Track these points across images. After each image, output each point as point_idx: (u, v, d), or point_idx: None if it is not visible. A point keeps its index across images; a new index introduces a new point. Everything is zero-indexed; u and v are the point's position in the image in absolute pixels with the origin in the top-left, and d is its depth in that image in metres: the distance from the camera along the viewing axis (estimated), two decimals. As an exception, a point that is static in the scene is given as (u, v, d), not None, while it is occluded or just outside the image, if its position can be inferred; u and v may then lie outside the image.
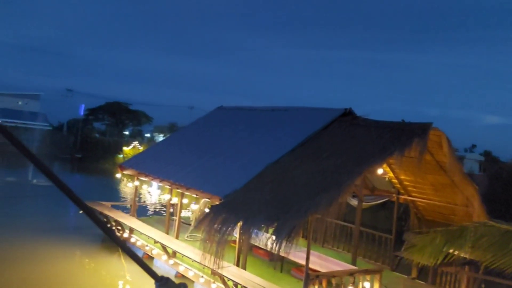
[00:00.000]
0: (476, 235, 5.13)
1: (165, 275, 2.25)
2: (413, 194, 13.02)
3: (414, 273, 11.90)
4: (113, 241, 2.27)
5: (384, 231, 13.94)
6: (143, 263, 2.25)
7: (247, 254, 10.63)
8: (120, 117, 70.49)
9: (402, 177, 12.89)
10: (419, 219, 13.39)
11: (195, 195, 11.88)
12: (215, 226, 8.98)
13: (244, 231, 9.06)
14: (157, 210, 22.20)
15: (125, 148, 47.93)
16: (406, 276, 12.06)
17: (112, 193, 28.14)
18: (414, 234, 10.93)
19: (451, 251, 5.95)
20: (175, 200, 14.32)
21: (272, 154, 10.98)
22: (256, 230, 8.83)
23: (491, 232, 5.04)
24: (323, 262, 10.78)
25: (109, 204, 15.82)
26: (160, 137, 59.37)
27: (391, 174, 12.99)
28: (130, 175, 15.60)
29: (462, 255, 8.52)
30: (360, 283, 9.85)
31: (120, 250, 2.40)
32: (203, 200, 13.02)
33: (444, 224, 11.19)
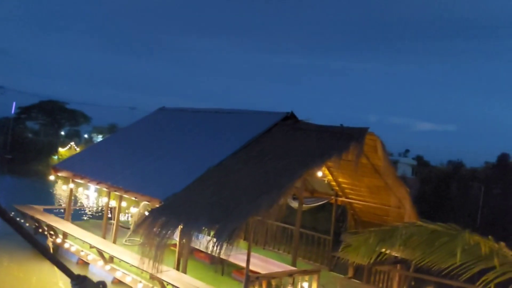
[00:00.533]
0: (406, 234, 5.41)
1: (106, 284, 2.20)
2: (350, 196, 13.49)
3: (350, 273, 12.33)
4: (19, 234, 2.19)
5: (323, 232, 14.34)
6: (57, 260, 2.19)
7: (187, 258, 10.51)
8: (56, 116, 67.17)
9: (340, 179, 13.33)
10: (356, 220, 13.90)
11: (134, 198, 11.59)
12: (155, 229, 8.81)
13: (185, 234, 8.96)
14: (94, 213, 21.39)
15: (60, 149, 45.78)
16: (342, 276, 12.46)
17: (45, 196, 26.74)
18: (351, 234, 11.34)
19: (383, 250, 6.22)
20: (113, 203, 13.87)
21: (215, 157, 10.94)
22: (197, 233, 8.76)
23: (419, 231, 5.34)
24: (263, 264, 10.89)
25: (41, 207, 15.03)
26: (99, 138, 57.27)
27: (330, 177, 13.40)
28: (65, 177, 14.92)
29: (394, 254, 8.95)
30: (299, 283, 10.06)
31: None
32: (142, 203, 12.72)
33: (378, 224, 11.68)
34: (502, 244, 5.20)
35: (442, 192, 21.96)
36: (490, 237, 5.25)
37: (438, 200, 21.37)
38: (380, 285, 11.31)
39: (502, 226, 18.55)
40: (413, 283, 11.57)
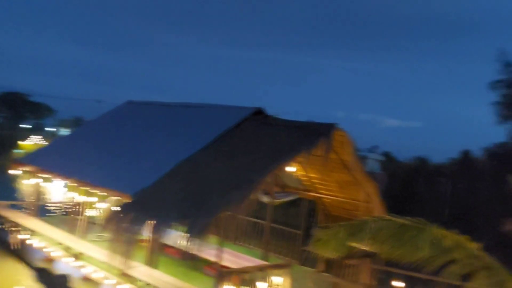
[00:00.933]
0: (375, 228, 5.53)
1: (69, 277, 2.14)
2: (320, 191, 13.65)
3: (321, 267, 12.49)
4: None
5: (294, 227, 14.45)
6: (20, 255, 2.13)
7: (158, 253, 10.40)
8: (19, 109, 65.02)
9: (310, 174, 13.46)
10: (326, 215, 14.08)
11: (102, 193, 11.36)
12: (124, 225, 8.67)
13: (155, 230, 8.86)
14: (61, 209, 20.84)
15: (23, 143, 44.41)
16: (313, 270, 12.61)
17: (9, 192, 25.87)
18: (321, 229, 11.47)
19: (353, 244, 6.33)
20: (81, 198, 13.56)
21: (184, 151, 10.84)
22: (167, 229, 8.68)
23: (388, 225, 5.47)
24: (235, 258, 10.90)
25: (6, 203, 14.53)
26: (64, 132, 55.79)
27: (300, 172, 13.50)
28: (29, 171, 14.45)
29: (363, 247, 9.12)
30: (270, 278, 10.12)
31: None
32: (111, 198, 12.49)
33: (348, 219, 11.86)
34: (467, 237, 5.38)
35: (409, 187, 22.53)
36: (455, 230, 5.43)
37: (405, 194, 21.93)
38: (350, 278, 11.51)
39: (467, 220, 19.20)
40: (382, 276, 11.83)
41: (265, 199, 13.29)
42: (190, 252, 8.21)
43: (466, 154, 23.92)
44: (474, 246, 5.17)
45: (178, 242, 8.82)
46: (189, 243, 7.90)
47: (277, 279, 10.06)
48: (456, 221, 18.54)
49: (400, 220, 5.47)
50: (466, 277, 5.39)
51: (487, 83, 20.77)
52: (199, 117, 13.29)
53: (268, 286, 10.00)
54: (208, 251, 10.14)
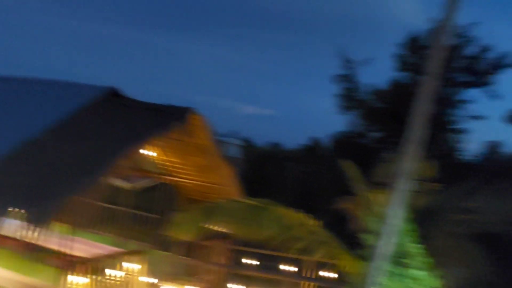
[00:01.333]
0: (227, 210, 5.76)
1: None
2: (180, 175, 13.65)
3: (178, 250, 12.55)
4: None
5: (153, 212, 14.23)
6: None
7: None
8: None
9: (169, 158, 13.34)
10: (185, 199, 14.16)
11: None
12: None
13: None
14: None
15: None
16: (171, 254, 12.60)
17: None
18: (178, 213, 11.53)
19: (208, 226, 6.49)
20: None
21: (25, 132, 9.67)
22: (3, 217, 7.78)
23: (238, 207, 5.75)
24: (87, 247, 10.31)
25: None
26: None
27: (157, 156, 13.28)
28: None
29: (218, 229, 9.44)
30: (127, 264, 9.83)
31: None
32: None
33: (206, 202, 12.14)
34: (308, 215, 5.92)
35: (263, 171, 23.89)
36: (300, 210, 5.93)
37: (259, 178, 23.19)
38: (207, 259, 11.81)
39: (311, 200, 21.09)
40: (237, 255, 12.37)
41: (122, 184, 12.80)
42: (33, 242, 7.47)
43: (314, 141, 26.24)
44: (313, 223, 5.71)
45: (18, 232, 7.96)
46: (31, 233, 7.21)
47: (132, 266, 9.82)
48: (301, 201, 20.26)
49: (248, 201, 5.78)
50: (307, 251, 5.94)
51: (330, 76, 22.90)
52: (44, 94, 11.91)
53: (125, 273, 9.72)
54: (55, 241, 9.41)
